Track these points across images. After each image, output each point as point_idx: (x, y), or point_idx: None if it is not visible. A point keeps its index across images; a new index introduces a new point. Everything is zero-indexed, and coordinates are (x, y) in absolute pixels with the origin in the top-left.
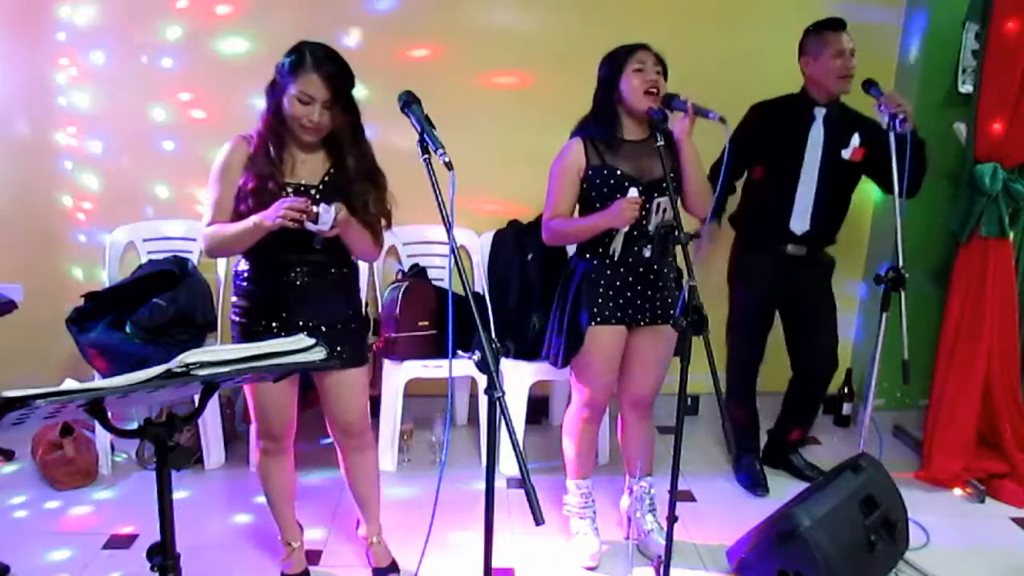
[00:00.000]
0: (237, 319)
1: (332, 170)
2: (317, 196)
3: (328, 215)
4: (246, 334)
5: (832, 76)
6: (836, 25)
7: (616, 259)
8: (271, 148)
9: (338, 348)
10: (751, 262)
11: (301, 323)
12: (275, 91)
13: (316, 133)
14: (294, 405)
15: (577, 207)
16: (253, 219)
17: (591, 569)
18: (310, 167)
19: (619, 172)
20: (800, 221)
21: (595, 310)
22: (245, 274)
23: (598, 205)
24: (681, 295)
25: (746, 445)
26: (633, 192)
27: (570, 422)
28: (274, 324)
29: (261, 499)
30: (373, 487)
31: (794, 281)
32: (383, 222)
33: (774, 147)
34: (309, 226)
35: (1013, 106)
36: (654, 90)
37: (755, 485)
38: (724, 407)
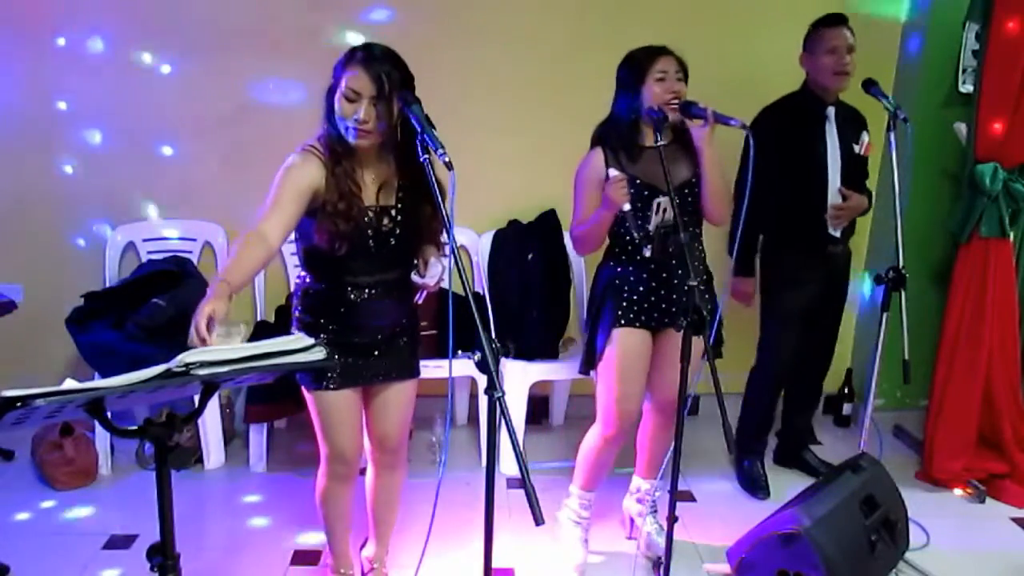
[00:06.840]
0: (301, 331)
1: (400, 187)
2: (399, 217)
3: (436, 269)
4: None
5: (827, 73)
6: (832, 21)
7: (644, 259)
8: (340, 158)
9: (389, 359)
10: (793, 266)
11: (357, 340)
12: (329, 96)
13: (365, 136)
14: (361, 421)
15: None
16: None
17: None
18: (380, 183)
19: (638, 181)
20: None
21: (619, 312)
22: (311, 290)
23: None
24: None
25: (749, 448)
26: (613, 172)
27: (591, 438)
28: (333, 336)
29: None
30: (393, 510)
31: (829, 276)
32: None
33: (794, 152)
34: (416, 280)
35: (1013, 106)
36: (676, 101)
37: (756, 488)
38: (724, 407)
